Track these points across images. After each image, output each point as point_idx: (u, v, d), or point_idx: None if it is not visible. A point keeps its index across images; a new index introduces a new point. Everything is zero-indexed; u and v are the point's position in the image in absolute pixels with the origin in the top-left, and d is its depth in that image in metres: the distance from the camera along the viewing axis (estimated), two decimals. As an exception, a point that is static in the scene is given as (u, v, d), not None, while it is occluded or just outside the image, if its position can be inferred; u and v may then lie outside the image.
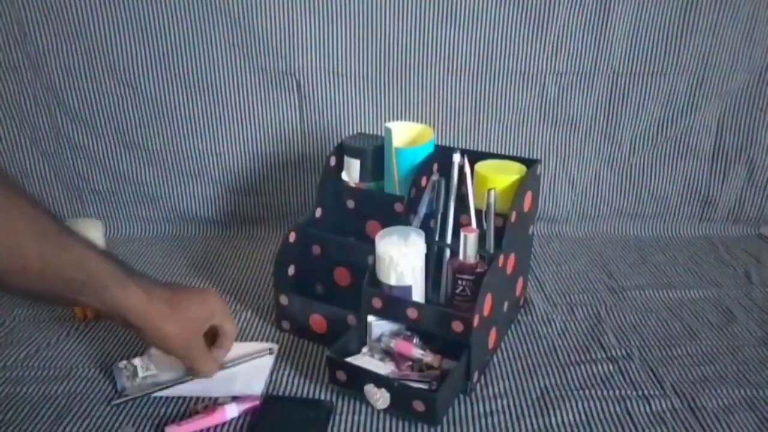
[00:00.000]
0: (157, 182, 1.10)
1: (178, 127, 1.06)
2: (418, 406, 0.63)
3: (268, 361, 0.74)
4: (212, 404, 0.65)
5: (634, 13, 0.99)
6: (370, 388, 0.64)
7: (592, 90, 1.05)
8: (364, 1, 0.98)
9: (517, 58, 1.02)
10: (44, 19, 0.97)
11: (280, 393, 0.69)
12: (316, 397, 0.69)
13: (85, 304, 0.56)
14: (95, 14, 0.97)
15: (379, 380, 0.64)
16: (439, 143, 0.83)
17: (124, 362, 0.69)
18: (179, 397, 0.68)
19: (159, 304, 0.59)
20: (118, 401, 0.66)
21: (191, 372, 0.67)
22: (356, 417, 0.65)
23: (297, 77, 1.03)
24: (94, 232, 0.82)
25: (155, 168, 1.09)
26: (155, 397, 0.67)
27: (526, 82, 1.04)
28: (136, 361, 0.69)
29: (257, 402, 0.66)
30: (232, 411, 0.64)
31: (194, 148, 1.08)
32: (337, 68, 1.03)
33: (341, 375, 0.66)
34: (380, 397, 0.64)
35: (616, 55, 1.02)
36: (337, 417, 0.65)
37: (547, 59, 1.02)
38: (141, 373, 0.68)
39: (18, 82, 1.02)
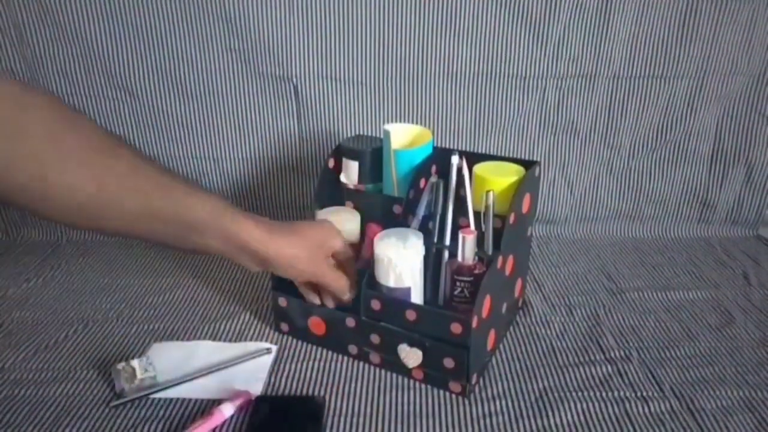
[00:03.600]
0: (156, 184, 1.10)
1: (176, 132, 1.06)
2: (449, 363, 0.66)
3: (266, 361, 0.74)
4: (209, 407, 0.65)
5: (634, 18, 0.99)
6: (403, 347, 0.67)
7: (592, 95, 1.05)
8: (361, 6, 0.98)
9: (517, 62, 1.02)
10: (41, 23, 0.97)
11: (279, 395, 0.69)
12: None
13: (212, 247, 0.59)
14: (92, 18, 0.98)
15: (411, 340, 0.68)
16: (437, 146, 0.83)
17: (123, 364, 0.69)
18: (178, 399, 0.67)
19: (279, 233, 0.63)
20: (117, 403, 0.66)
21: (332, 294, 0.71)
22: (354, 419, 0.65)
23: (294, 82, 1.03)
24: (352, 223, 0.81)
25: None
26: (154, 399, 0.67)
27: (526, 86, 1.04)
28: (135, 362, 0.69)
29: (251, 397, 0.66)
30: (228, 409, 0.64)
31: (192, 153, 1.08)
32: (335, 73, 1.03)
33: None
34: (412, 356, 0.67)
35: (617, 60, 1.02)
36: (336, 418, 0.65)
37: (547, 64, 1.03)
38: (139, 375, 0.68)
39: (16, 84, 1.01)
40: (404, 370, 0.71)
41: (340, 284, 0.69)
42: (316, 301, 0.74)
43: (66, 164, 0.48)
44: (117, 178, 0.51)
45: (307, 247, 0.65)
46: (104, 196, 0.51)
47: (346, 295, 0.71)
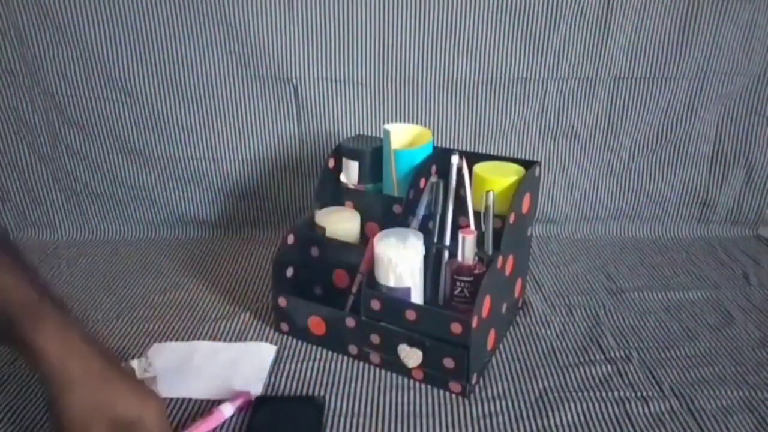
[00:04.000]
0: (156, 186, 1.10)
1: (176, 133, 1.06)
2: (449, 363, 0.66)
3: (266, 361, 0.74)
4: (209, 408, 0.65)
5: (634, 20, 0.99)
6: (403, 347, 0.67)
7: (593, 97, 1.05)
8: (361, 8, 0.98)
9: (518, 66, 1.02)
10: (41, 25, 0.97)
11: (279, 395, 0.69)
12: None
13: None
14: (92, 21, 0.97)
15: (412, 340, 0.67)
16: (437, 146, 0.83)
17: (122, 364, 0.68)
18: (177, 399, 0.67)
19: (78, 363, 0.45)
20: None
21: None
22: (354, 419, 0.65)
23: (294, 84, 1.03)
24: (352, 222, 0.81)
25: (153, 173, 1.09)
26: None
27: (527, 90, 1.04)
28: (134, 363, 0.69)
29: (251, 397, 0.66)
30: (227, 409, 0.64)
31: (192, 153, 1.08)
32: (335, 75, 1.03)
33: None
34: (412, 356, 0.66)
35: (617, 63, 1.02)
36: (336, 418, 0.65)
37: (547, 68, 1.02)
38: (139, 375, 0.68)
39: (15, 86, 1.02)
40: (404, 370, 0.71)
41: None
42: None
43: None
44: None
45: (95, 412, 0.46)
46: None
47: None
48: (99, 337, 0.80)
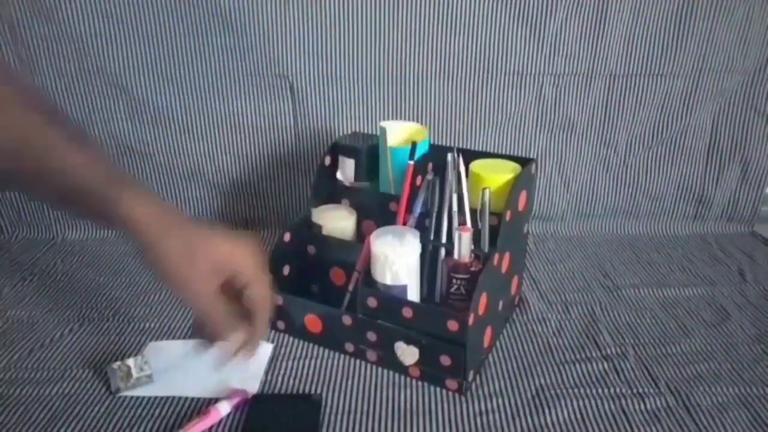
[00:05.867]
0: (152, 184, 1.09)
1: (174, 130, 1.06)
2: (445, 360, 0.66)
3: (263, 359, 0.74)
4: (206, 406, 0.65)
5: (630, 15, 0.99)
6: (399, 345, 0.67)
7: (588, 92, 1.05)
8: (357, 3, 0.98)
9: (514, 60, 1.02)
10: (36, 21, 0.97)
11: (276, 393, 0.69)
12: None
13: (88, 215, 0.52)
14: (87, 17, 0.97)
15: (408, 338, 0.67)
16: (433, 143, 0.83)
17: (118, 363, 0.68)
18: (174, 398, 0.67)
19: (174, 226, 0.50)
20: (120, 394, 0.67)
21: (204, 333, 0.54)
22: (351, 417, 0.65)
23: (290, 80, 1.03)
24: (348, 220, 0.81)
25: (149, 170, 1.08)
26: (150, 398, 0.67)
27: (523, 84, 1.04)
28: (130, 361, 0.69)
29: (248, 395, 0.66)
30: (224, 408, 0.64)
31: (188, 151, 1.07)
32: (331, 71, 1.03)
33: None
34: (408, 353, 0.66)
35: (613, 58, 1.03)
36: (333, 415, 0.65)
37: (544, 61, 1.03)
38: (135, 374, 0.68)
39: (11, 82, 1.01)
40: (401, 368, 0.71)
41: (217, 325, 0.53)
42: (203, 334, 0.57)
43: None
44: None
45: (200, 260, 0.51)
46: None
47: (223, 337, 0.55)
48: (95, 336, 0.79)
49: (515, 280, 0.83)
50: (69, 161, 0.49)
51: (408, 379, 0.71)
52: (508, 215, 0.70)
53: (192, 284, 0.51)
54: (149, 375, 0.69)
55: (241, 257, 0.54)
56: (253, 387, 0.69)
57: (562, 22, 1.00)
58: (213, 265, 0.52)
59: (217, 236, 0.53)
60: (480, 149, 1.07)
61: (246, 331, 0.56)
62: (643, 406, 0.67)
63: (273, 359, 0.75)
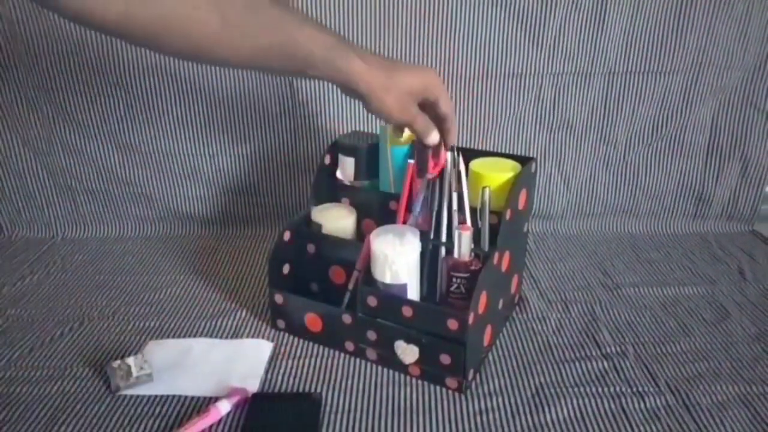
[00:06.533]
0: (151, 182, 1.09)
1: (172, 128, 1.06)
2: (445, 359, 0.66)
3: (263, 358, 0.74)
4: (206, 405, 0.65)
5: (628, 12, 0.99)
6: (399, 344, 0.67)
7: (588, 90, 1.05)
8: (358, 2, 0.98)
9: (513, 59, 1.02)
10: (36, 19, 0.97)
11: (276, 392, 0.69)
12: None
13: (324, 79, 0.62)
14: (88, 13, 0.97)
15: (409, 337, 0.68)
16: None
17: (118, 362, 0.69)
18: (174, 397, 0.67)
19: (377, 71, 0.62)
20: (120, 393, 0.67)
21: (418, 135, 0.69)
22: (351, 415, 0.65)
23: (290, 78, 1.03)
24: (348, 219, 0.81)
25: (148, 168, 1.08)
26: (150, 397, 0.67)
27: (522, 83, 1.04)
28: (130, 360, 0.69)
29: (248, 394, 0.66)
30: (224, 407, 0.64)
31: (187, 149, 1.07)
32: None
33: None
34: (409, 352, 0.67)
35: (612, 55, 1.02)
36: (333, 414, 0.65)
37: (543, 60, 1.02)
38: (135, 373, 0.68)
39: (10, 81, 1.01)
40: (401, 367, 0.71)
41: (424, 127, 0.68)
42: (401, 134, 0.74)
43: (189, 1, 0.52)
44: (237, 14, 0.54)
45: (400, 93, 0.65)
46: (227, 32, 0.54)
47: (429, 138, 0.69)
48: (95, 335, 0.79)
49: (515, 279, 0.83)
50: (297, 35, 0.58)
51: (408, 378, 0.71)
52: (508, 214, 0.70)
53: (408, 114, 0.66)
54: (149, 374, 0.69)
55: (431, 79, 0.67)
56: (253, 386, 0.69)
57: (561, 20, 1.00)
58: (411, 89, 0.66)
59: (408, 70, 0.66)
60: (480, 148, 1.07)
61: (446, 136, 0.71)
62: (642, 405, 0.67)
63: (273, 358, 0.75)
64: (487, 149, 1.07)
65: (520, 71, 1.03)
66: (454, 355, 0.66)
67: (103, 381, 0.70)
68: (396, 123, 0.69)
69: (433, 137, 0.69)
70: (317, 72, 0.61)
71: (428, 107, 0.68)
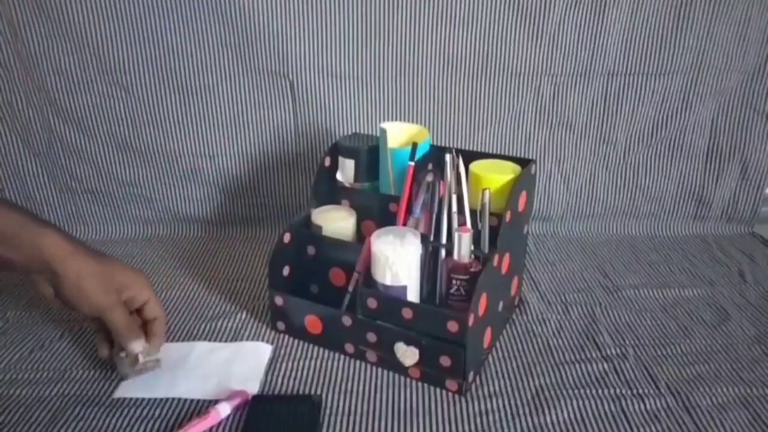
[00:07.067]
0: (151, 183, 1.09)
1: (172, 129, 1.06)
2: (445, 361, 0.66)
3: (263, 360, 0.74)
4: (205, 408, 0.65)
5: (628, 13, 0.99)
6: (399, 346, 0.67)
7: (587, 90, 1.05)
8: (359, 4, 0.98)
9: (512, 58, 1.02)
10: (36, 19, 0.97)
11: (276, 394, 0.69)
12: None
13: (15, 261, 0.57)
14: (87, 14, 0.97)
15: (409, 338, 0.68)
16: (434, 144, 0.83)
17: (125, 352, 0.68)
18: (174, 399, 0.67)
19: (83, 253, 0.60)
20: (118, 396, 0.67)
21: (117, 334, 0.65)
22: (351, 417, 0.65)
23: (291, 78, 1.03)
24: (348, 221, 0.81)
25: (149, 169, 1.08)
26: (149, 399, 0.67)
27: (522, 82, 1.04)
28: (136, 344, 0.68)
29: (248, 396, 0.66)
30: (225, 409, 0.64)
31: (187, 149, 1.07)
32: (332, 69, 1.03)
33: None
34: (409, 354, 0.66)
35: (611, 56, 1.03)
36: (333, 416, 0.65)
37: (542, 60, 1.03)
38: (142, 359, 0.67)
39: (9, 81, 1.01)
40: (401, 369, 0.71)
41: (125, 325, 0.64)
42: (104, 352, 0.69)
43: None
44: None
45: (105, 281, 0.62)
46: None
47: (131, 345, 0.66)
48: (93, 339, 0.79)
49: (515, 281, 0.83)
50: None
51: (408, 380, 0.71)
52: (507, 216, 0.70)
53: (106, 305, 0.63)
54: (157, 360, 0.68)
55: (137, 285, 0.66)
56: (253, 388, 0.69)
57: (559, 20, 1.00)
58: (120, 283, 0.64)
59: (120, 264, 0.65)
60: (479, 148, 1.08)
61: (153, 342, 0.69)
62: (642, 407, 0.67)
63: (273, 360, 0.75)
64: (486, 148, 1.08)
65: (518, 70, 1.03)
66: (454, 357, 0.66)
67: (103, 383, 0.70)
68: (93, 311, 0.63)
69: (135, 345, 0.66)
70: (9, 251, 0.57)
71: (137, 313, 0.68)
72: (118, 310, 0.64)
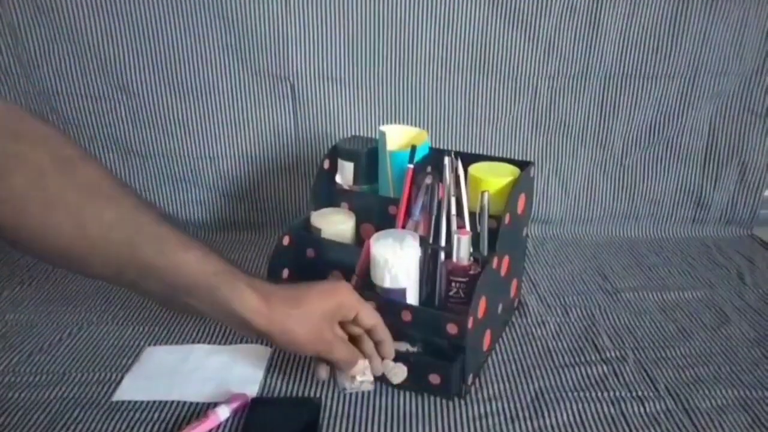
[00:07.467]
0: (151, 187, 1.09)
1: (172, 131, 1.06)
2: (434, 379, 0.65)
3: (262, 363, 0.74)
4: (204, 411, 0.65)
5: (625, 16, 1.00)
6: (387, 362, 0.66)
7: (584, 93, 1.06)
8: (357, 5, 0.98)
9: (510, 62, 1.03)
10: (36, 23, 0.97)
11: (275, 397, 0.69)
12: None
13: (203, 311, 0.54)
14: (87, 18, 0.97)
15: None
16: (433, 146, 0.83)
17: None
18: (173, 402, 0.67)
19: (279, 303, 0.55)
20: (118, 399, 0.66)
21: (338, 367, 0.63)
22: (350, 420, 0.65)
23: (291, 81, 1.03)
24: (347, 223, 0.80)
25: (149, 172, 1.09)
26: (149, 402, 0.67)
27: (519, 85, 1.04)
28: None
29: (247, 399, 0.66)
30: (224, 412, 0.64)
31: (188, 152, 1.08)
32: (331, 72, 1.03)
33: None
34: (397, 372, 0.65)
35: (608, 59, 1.03)
36: (332, 419, 0.65)
37: (539, 63, 1.03)
38: (359, 378, 0.64)
39: (10, 86, 1.01)
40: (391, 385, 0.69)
41: (346, 359, 0.61)
42: (323, 374, 0.64)
43: (48, 208, 0.46)
44: (102, 226, 0.48)
45: (311, 322, 0.58)
46: (86, 243, 0.48)
47: (353, 369, 0.63)
48: (94, 340, 0.79)
49: (514, 284, 0.83)
50: (180, 257, 0.51)
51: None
52: (506, 218, 0.70)
53: (324, 344, 0.59)
54: (371, 381, 0.65)
55: (344, 297, 0.61)
56: (252, 391, 0.69)
57: (556, 24, 1.00)
58: (324, 313, 0.59)
59: (317, 291, 0.60)
60: (477, 151, 1.08)
61: (367, 350, 0.64)
62: (642, 410, 0.67)
63: (272, 363, 0.75)
64: (484, 150, 1.08)
65: (515, 73, 1.04)
66: (443, 375, 0.65)
67: (102, 386, 0.70)
68: (312, 355, 0.61)
69: (358, 368, 0.62)
70: (195, 300, 0.52)
71: (350, 324, 0.63)
72: (335, 349, 0.60)
